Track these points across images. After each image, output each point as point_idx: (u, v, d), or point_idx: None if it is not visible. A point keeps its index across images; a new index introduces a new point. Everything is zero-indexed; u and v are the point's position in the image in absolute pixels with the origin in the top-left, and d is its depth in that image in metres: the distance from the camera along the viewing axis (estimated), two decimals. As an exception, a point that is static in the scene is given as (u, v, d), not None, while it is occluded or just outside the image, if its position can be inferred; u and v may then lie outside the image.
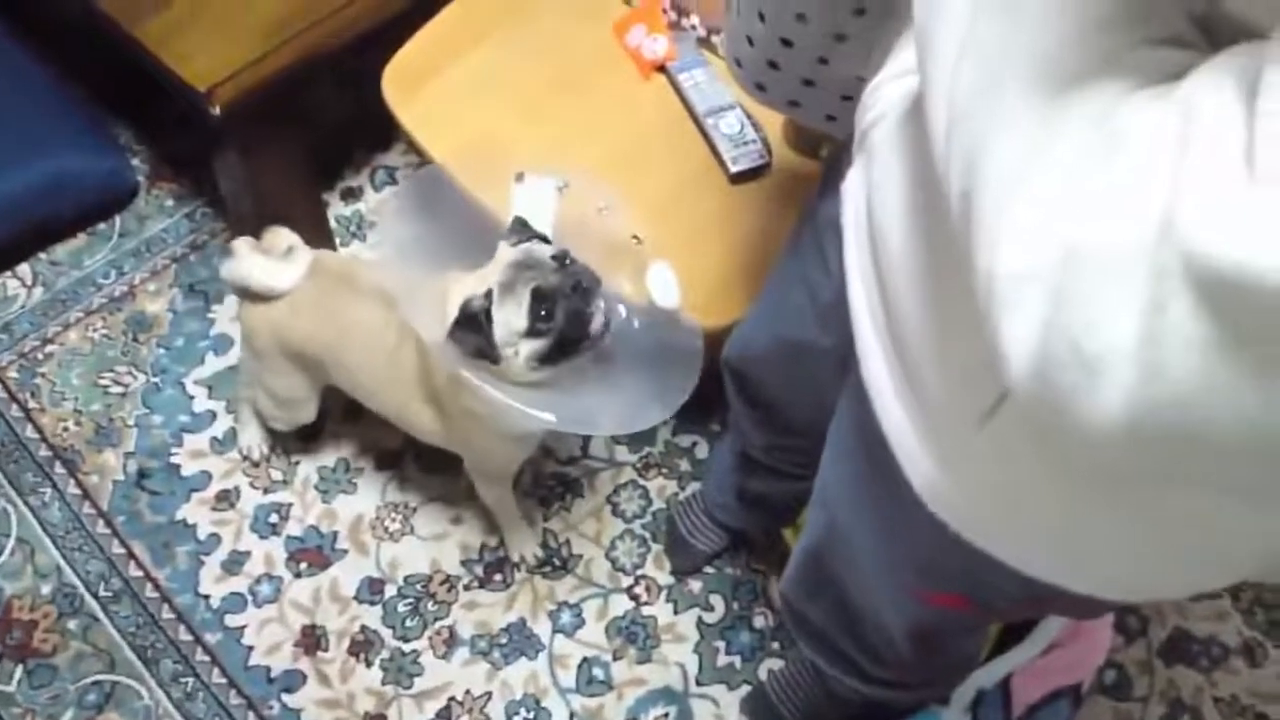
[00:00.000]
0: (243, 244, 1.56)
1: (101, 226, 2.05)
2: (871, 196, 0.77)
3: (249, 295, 1.55)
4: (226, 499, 1.77)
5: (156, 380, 1.88)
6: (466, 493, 1.77)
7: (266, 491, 1.78)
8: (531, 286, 1.25)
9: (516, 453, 1.58)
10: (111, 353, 1.90)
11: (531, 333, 1.26)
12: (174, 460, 1.80)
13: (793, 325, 1.10)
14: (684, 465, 1.83)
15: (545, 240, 1.36)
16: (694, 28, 1.74)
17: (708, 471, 1.73)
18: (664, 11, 1.73)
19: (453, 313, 1.27)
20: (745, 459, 1.52)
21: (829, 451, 0.99)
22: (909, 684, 1.25)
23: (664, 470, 1.82)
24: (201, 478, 1.79)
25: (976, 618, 1.06)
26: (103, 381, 1.87)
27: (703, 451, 1.84)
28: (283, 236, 1.59)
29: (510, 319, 1.26)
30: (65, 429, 1.82)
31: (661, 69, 1.71)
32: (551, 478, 1.81)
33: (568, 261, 1.30)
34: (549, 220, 1.44)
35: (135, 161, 2.12)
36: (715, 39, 1.73)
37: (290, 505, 1.77)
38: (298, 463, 1.81)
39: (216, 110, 1.64)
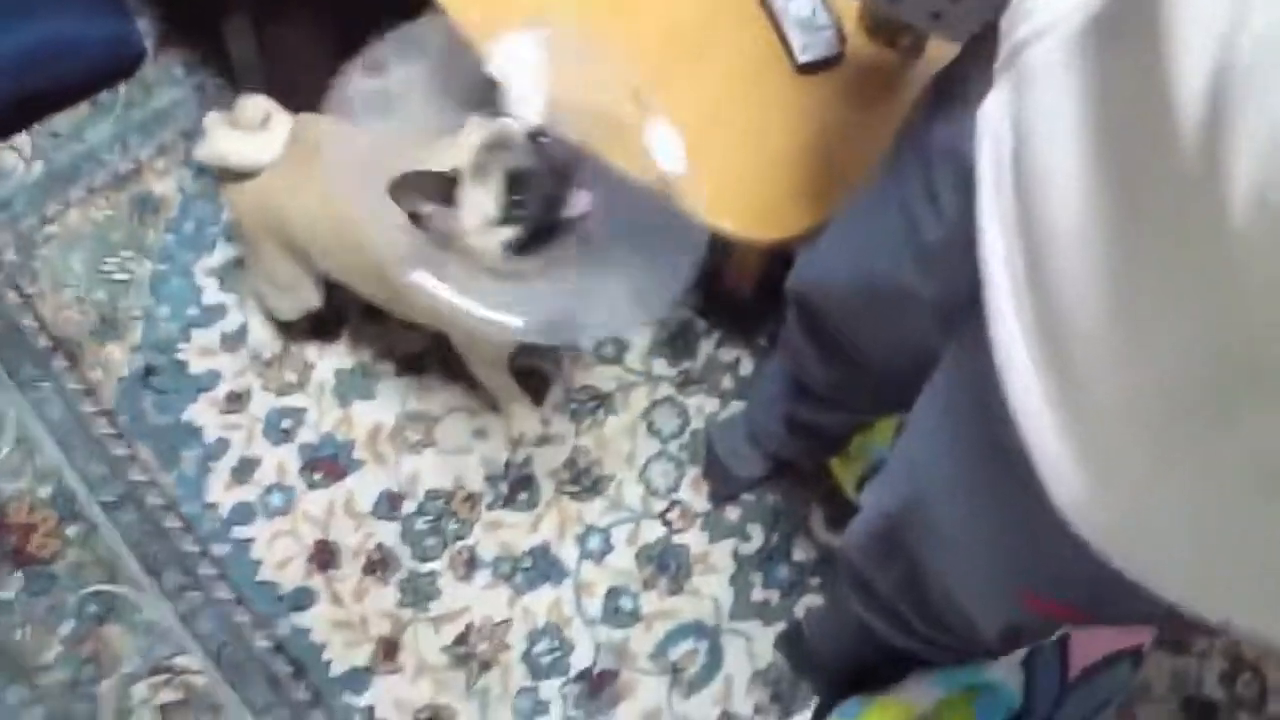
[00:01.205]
0: (214, 119, 1.44)
1: (105, 96, 1.88)
2: (1026, 132, 0.61)
3: (230, 175, 1.43)
4: (237, 401, 1.66)
5: (164, 268, 1.74)
6: (493, 403, 1.64)
7: (280, 394, 1.66)
8: (505, 170, 1.11)
9: (504, 342, 1.46)
10: (116, 236, 1.77)
11: (505, 220, 1.12)
12: (181, 357, 1.68)
13: (883, 262, 0.94)
14: (726, 382, 1.69)
15: (524, 114, 1.19)
16: (761, -109, 1.52)
17: (752, 392, 1.59)
18: None
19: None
20: (798, 387, 1.38)
21: (924, 421, 0.85)
22: (973, 653, 1.14)
23: (704, 387, 1.69)
24: (210, 377, 1.67)
25: (1082, 625, 0.93)
26: (106, 267, 1.74)
27: (747, 368, 1.70)
28: (256, 106, 1.45)
29: (482, 204, 1.12)
30: (66, 318, 1.70)
31: (722, -60, 1.51)
32: (582, 391, 1.67)
33: (544, 139, 1.14)
34: (536, 82, 1.27)
35: (141, 24, 1.94)
36: (785, -97, 1.51)
37: (305, 410, 1.65)
38: (313, 365, 1.68)
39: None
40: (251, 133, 1.44)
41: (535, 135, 1.15)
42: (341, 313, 1.69)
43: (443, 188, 1.13)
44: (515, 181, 1.12)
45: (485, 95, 1.28)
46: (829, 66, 1.46)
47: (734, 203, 1.39)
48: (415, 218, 1.12)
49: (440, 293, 1.11)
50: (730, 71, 1.46)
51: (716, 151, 1.40)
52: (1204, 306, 0.50)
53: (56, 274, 1.73)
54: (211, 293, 1.73)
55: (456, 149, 1.16)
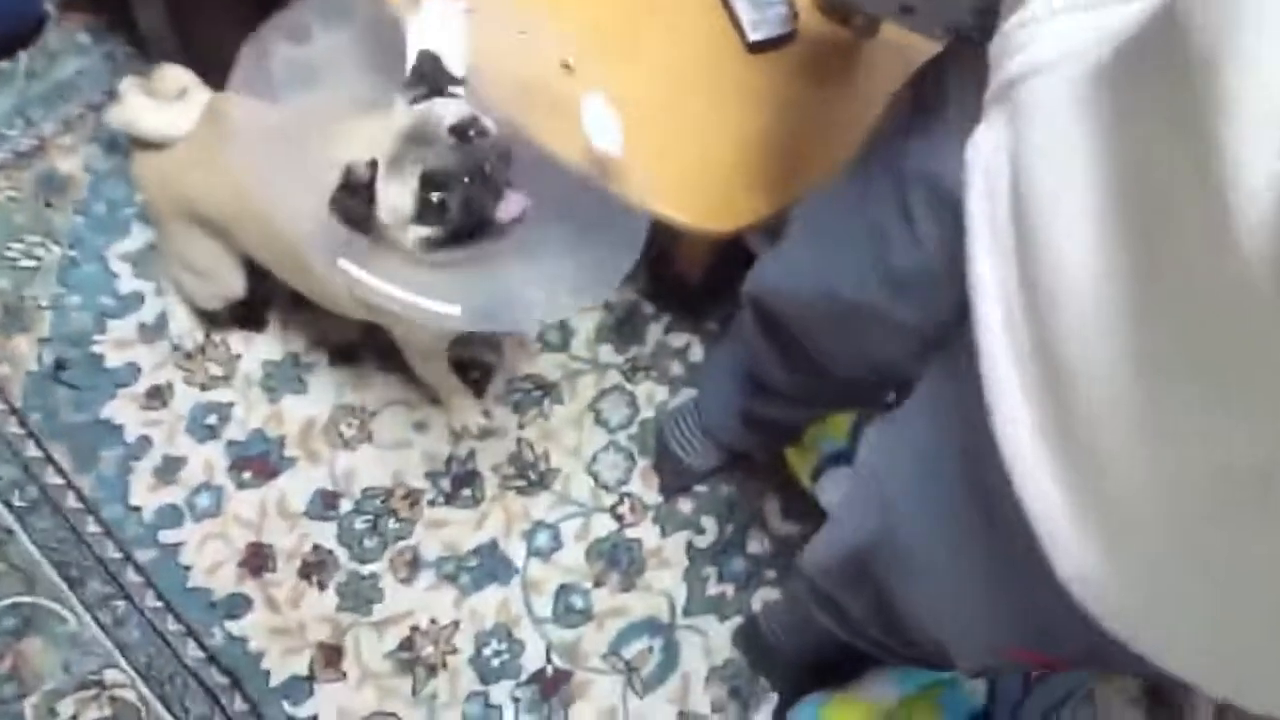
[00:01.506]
0: (129, 84, 1.37)
1: (3, 65, 1.75)
2: (1026, 168, 0.56)
3: (139, 144, 1.35)
4: (158, 396, 1.56)
5: (74, 254, 1.63)
6: (432, 396, 1.57)
7: (204, 388, 1.57)
8: (420, 169, 1.03)
9: (442, 330, 1.38)
10: (20, 219, 1.64)
11: (420, 219, 1.05)
12: (96, 350, 1.57)
13: (849, 279, 0.89)
14: (676, 369, 1.64)
15: (455, 84, 1.10)
16: None
17: (704, 381, 1.54)
18: None
19: (334, 176, 1.04)
20: (755, 384, 1.33)
21: (898, 454, 0.80)
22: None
23: (653, 374, 1.63)
24: (128, 371, 1.57)
25: (1066, 670, 0.90)
26: (10, 254, 1.62)
27: (697, 355, 1.65)
28: (175, 76, 1.37)
29: (395, 201, 1.04)
30: (-33, 310, 1.59)
31: (669, -91, 1.43)
32: (526, 380, 1.61)
33: (471, 134, 1.06)
34: (457, 54, 1.17)
35: (41, -14, 1.80)
36: None
37: (231, 405, 1.56)
38: (239, 356, 1.59)
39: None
40: (167, 103, 1.36)
41: (460, 129, 1.06)
42: (268, 299, 1.60)
43: (361, 174, 1.05)
44: (431, 182, 1.04)
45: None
46: (781, 45, 1.41)
47: (686, 192, 1.33)
48: (335, 205, 1.04)
49: (368, 281, 1.03)
50: (677, 51, 1.39)
51: (665, 137, 1.33)
52: (1247, 393, 0.45)
53: (-45, 261, 1.61)
54: (126, 280, 1.62)
55: (376, 132, 1.07)
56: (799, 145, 1.37)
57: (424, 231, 1.05)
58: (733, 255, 1.51)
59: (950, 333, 0.74)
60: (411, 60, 1.13)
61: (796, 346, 1.11)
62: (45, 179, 1.67)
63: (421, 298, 1.04)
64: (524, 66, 1.19)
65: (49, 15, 1.78)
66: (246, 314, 1.58)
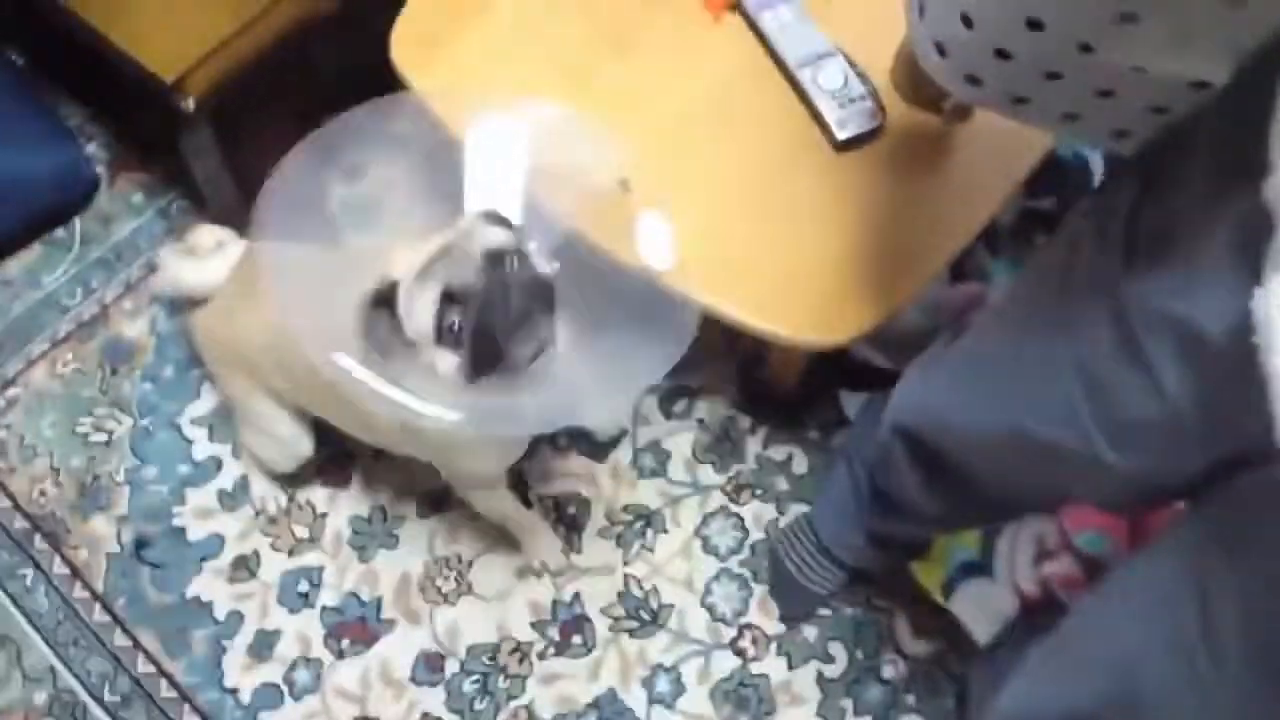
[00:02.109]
0: (168, 251, 1.43)
1: (59, 233, 1.71)
2: None
3: (192, 303, 1.38)
4: (245, 566, 1.48)
5: (146, 423, 1.57)
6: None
7: (292, 553, 1.49)
8: (441, 285, 0.98)
9: (494, 454, 1.31)
10: (88, 392, 1.59)
11: (440, 339, 0.99)
12: (177, 523, 1.51)
13: (1051, 422, 0.80)
14: (781, 484, 1.54)
15: (502, 221, 1.05)
16: (771, -49, 1.38)
17: (821, 500, 1.44)
18: (733, -68, 1.38)
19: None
20: (887, 504, 1.24)
21: (1137, 611, 0.71)
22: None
23: (758, 491, 1.54)
24: (213, 542, 1.50)
25: None
26: (81, 429, 1.57)
27: (800, 466, 1.55)
28: (209, 232, 1.40)
29: (419, 316, 0.99)
30: (42, 493, 1.52)
31: (735, 7, 1.37)
32: (626, 511, 1.52)
33: (508, 263, 0.99)
34: (512, 168, 1.14)
35: (92, 148, 1.77)
36: (799, -37, 1.38)
37: (322, 569, 1.48)
38: (325, 515, 1.51)
39: (190, 104, 1.31)
40: (207, 259, 1.37)
41: (498, 254, 1.00)
42: (351, 453, 1.53)
43: (384, 290, 1.01)
44: (451, 300, 0.98)
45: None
46: (869, 140, 1.33)
47: (782, 303, 1.24)
48: (360, 321, 1.00)
49: (361, 378, 0.96)
50: (761, 157, 1.32)
51: (754, 247, 1.26)
52: None
53: (25, 443, 1.55)
54: (202, 445, 1.55)
55: (413, 255, 1.01)
56: (899, 245, 1.29)
57: (449, 359, 1.00)
58: (827, 355, 1.42)
59: (1196, 486, 0.66)
60: (469, 184, 1.09)
61: (953, 476, 1.02)
62: (110, 347, 1.62)
63: (416, 398, 0.97)
64: (583, 183, 1.15)
65: (100, 178, 1.75)
66: (329, 469, 1.52)
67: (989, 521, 1.30)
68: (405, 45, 1.35)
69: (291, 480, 1.51)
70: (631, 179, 1.15)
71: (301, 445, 1.41)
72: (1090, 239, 0.76)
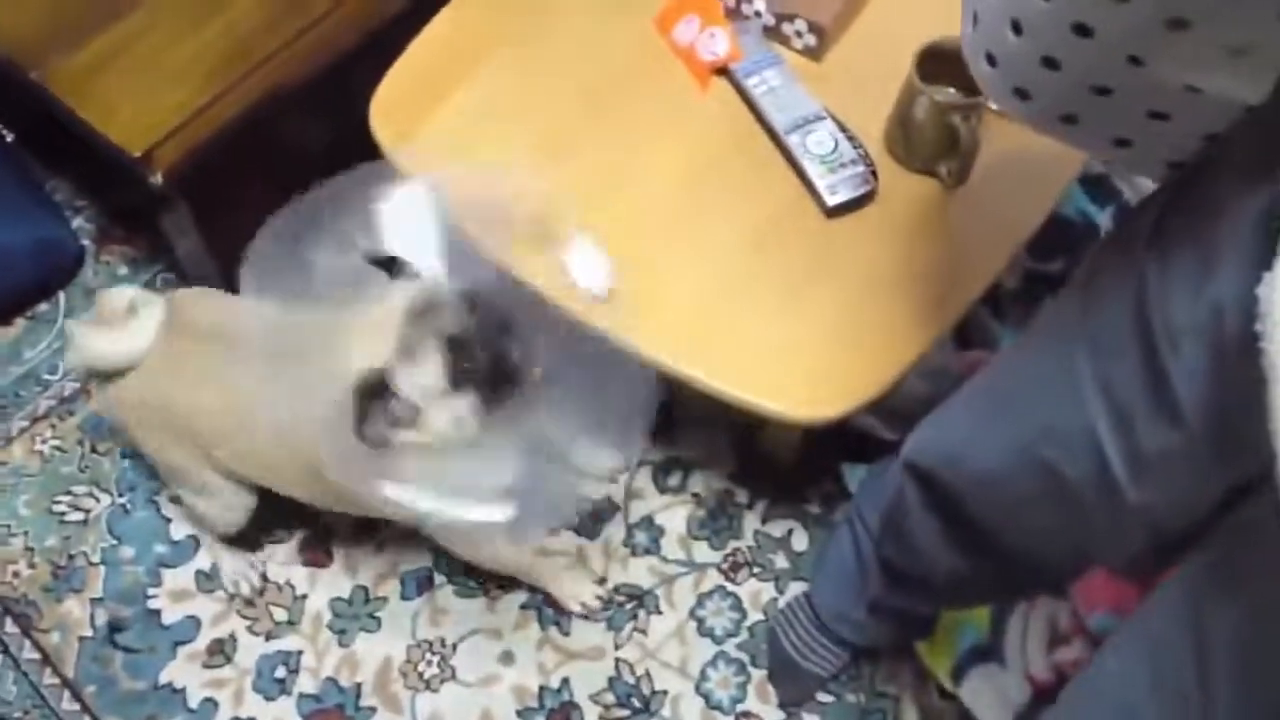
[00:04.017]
0: (73, 325, 1.32)
1: (43, 307, 1.69)
2: None
3: (104, 376, 1.29)
4: (220, 651, 1.43)
5: (124, 501, 1.53)
6: (516, 621, 1.42)
7: (269, 637, 1.44)
8: (445, 336, 1.01)
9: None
10: (66, 469, 1.55)
11: (456, 386, 1.01)
12: (153, 604, 1.45)
13: (1068, 451, 0.78)
14: (780, 561, 1.48)
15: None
16: (758, 14, 1.35)
17: (820, 574, 1.38)
18: (720, -4, 1.35)
19: (337, 388, 1.00)
20: (892, 573, 1.18)
21: (1141, 665, 0.69)
22: None
23: (756, 569, 1.47)
24: (188, 625, 1.44)
25: None
26: (58, 507, 1.52)
27: (800, 542, 1.49)
28: (119, 295, 1.31)
29: (422, 382, 1.01)
30: (15, 575, 1.47)
31: (723, 72, 1.33)
32: (617, 591, 1.45)
33: (476, 297, 1.05)
34: (433, 235, 1.11)
35: (79, 221, 1.75)
36: (787, 27, 1.35)
37: (300, 653, 1.42)
38: (304, 596, 1.46)
39: (158, 178, 1.28)
40: (119, 326, 1.28)
41: (470, 298, 1.04)
42: (331, 530, 1.48)
43: (373, 387, 1.00)
44: (458, 346, 1.02)
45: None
46: (862, 205, 1.28)
47: (775, 377, 1.19)
48: (364, 435, 1.00)
49: (422, 504, 1.01)
50: (750, 225, 1.27)
51: (744, 319, 1.21)
52: None
53: (1, 522, 1.51)
54: (180, 524, 1.50)
55: (378, 324, 1.02)
56: (896, 313, 1.24)
57: (462, 403, 1.02)
58: (828, 427, 1.36)
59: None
60: (391, 252, 1.07)
61: (968, 521, 0.97)
62: (90, 424, 1.58)
63: (468, 504, 1.02)
64: (505, 214, 1.14)
65: (86, 251, 1.72)
66: (308, 548, 1.46)
67: (1002, 590, 1.23)
68: (385, 117, 1.32)
69: (248, 543, 1.46)
70: (557, 206, 1.16)
71: (245, 499, 1.34)
72: (1113, 247, 0.76)
